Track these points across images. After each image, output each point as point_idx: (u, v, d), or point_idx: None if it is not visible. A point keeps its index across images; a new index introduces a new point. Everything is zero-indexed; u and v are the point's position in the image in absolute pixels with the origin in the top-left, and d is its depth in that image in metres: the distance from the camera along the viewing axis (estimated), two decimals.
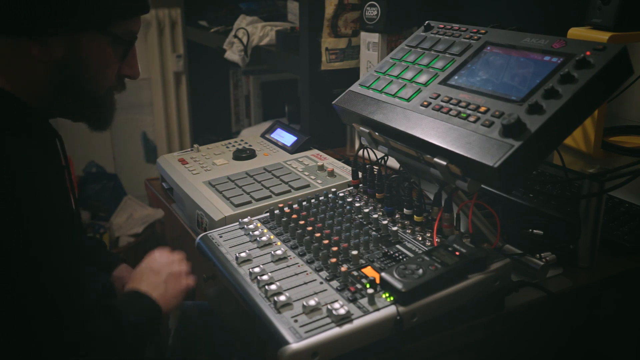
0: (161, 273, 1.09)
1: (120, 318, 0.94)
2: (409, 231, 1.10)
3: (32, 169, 0.87)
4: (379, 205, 1.20)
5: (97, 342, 0.88)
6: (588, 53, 0.91)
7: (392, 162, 1.33)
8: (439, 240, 1.04)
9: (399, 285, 0.89)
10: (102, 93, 1.03)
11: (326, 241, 1.06)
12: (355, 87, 1.21)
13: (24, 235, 0.83)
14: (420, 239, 1.07)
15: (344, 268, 0.97)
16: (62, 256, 0.88)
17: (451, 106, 1.00)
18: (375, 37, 1.64)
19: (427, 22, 1.23)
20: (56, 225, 0.88)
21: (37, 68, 0.95)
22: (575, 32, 1.24)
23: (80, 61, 0.98)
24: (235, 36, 2.13)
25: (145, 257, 1.14)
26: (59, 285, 0.86)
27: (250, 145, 1.65)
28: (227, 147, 1.65)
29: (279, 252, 1.06)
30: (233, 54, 2.15)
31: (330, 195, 1.26)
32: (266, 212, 1.22)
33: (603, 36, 1.18)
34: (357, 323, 0.87)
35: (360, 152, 1.26)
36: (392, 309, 0.89)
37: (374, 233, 1.08)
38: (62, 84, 0.98)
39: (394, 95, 1.11)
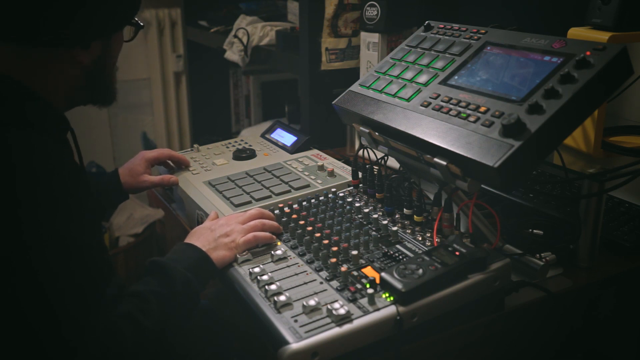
0: (214, 229, 1.12)
1: (169, 275, 0.98)
2: (409, 231, 1.10)
3: (50, 162, 0.89)
4: (379, 205, 1.20)
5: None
6: (588, 53, 0.91)
7: (392, 162, 1.33)
8: (439, 240, 1.04)
9: (399, 285, 0.89)
10: (113, 74, 1.09)
11: (326, 241, 1.06)
12: (355, 87, 1.21)
13: (41, 226, 0.84)
14: (420, 239, 1.07)
15: (344, 268, 0.97)
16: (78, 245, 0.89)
17: (451, 106, 1.00)
18: (375, 37, 1.64)
19: (427, 22, 1.23)
20: (73, 216, 0.89)
21: (72, 71, 1.00)
22: (575, 32, 1.24)
23: (111, 55, 1.04)
24: (235, 36, 2.13)
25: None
26: (71, 282, 0.86)
27: (250, 145, 1.65)
28: (227, 147, 1.65)
29: (279, 252, 1.06)
30: (233, 54, 2.15)
31: (330, 195, 1.26)
32: None
33: (603, 36, 1.18)
34: (357, 323, 0.87)
35: (360, 152, 1.26)
36: (392, 309, 0.89)
37: (374, 233, 1.08)
38: (93, 79, 1.03)
39: (394, 95, 1.11)
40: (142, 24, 1.11)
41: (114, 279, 1.00)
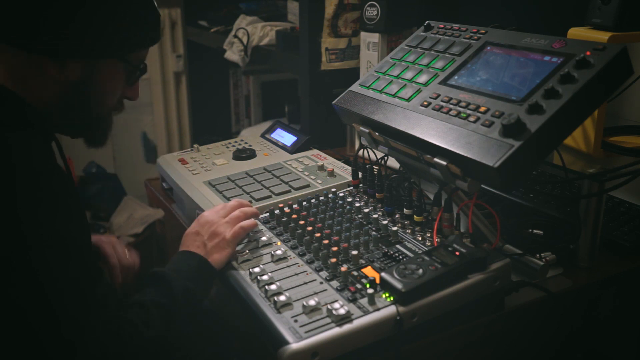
0: (202, 233, 1.11)
1: (169, 284, 0.99)
2: (409, 231, 1.10)
3: (50, 162, 0.89)
4: (379, 205, 1.20)
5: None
6: (588, 53, 0.91)
7: (392, 162, 1.33)
8: (439, 240, 1.04)
9: (398, 285, 0.89)
10: (105, 114, 1.07)
11: (326, 241, 1.06)
12: (355, 87, 1.21)
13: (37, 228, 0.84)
14: (420, 239, 1.07)
15: (344, 268, 0.97)
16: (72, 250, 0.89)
17: (451, 106, 1.00)
18: (375, 37, 1.64)
19: (427, 22, 1.23)
20: (63, 221, 0.89)
21: (49, 85, 0.97)
22: (575, 32, 1.24)
23: (94, 84, 1.00)
24: (235, 36, 2.13)
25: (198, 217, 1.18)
26: (68, 283, 0.86)
27: (250, 145, 1.65)
28: (227, 147, 1.65)
29: (279, 252, 1.06)
30: (233, 54, 2.15)
31: (330, 195, 1.26)
32: (266, 212, 1.22)
33: (603, 36, 1.18)
34: (357, 323, 0.87)
35: (360, 152, 1.26)
36: (392, 309, 0.89)
37: (374, 233, 1.08)
38: (72, 102, 1.00)
39: (394, 95, 1.11)
40: (142, 67, 1.06)
41: (103, 279, 1.00)
